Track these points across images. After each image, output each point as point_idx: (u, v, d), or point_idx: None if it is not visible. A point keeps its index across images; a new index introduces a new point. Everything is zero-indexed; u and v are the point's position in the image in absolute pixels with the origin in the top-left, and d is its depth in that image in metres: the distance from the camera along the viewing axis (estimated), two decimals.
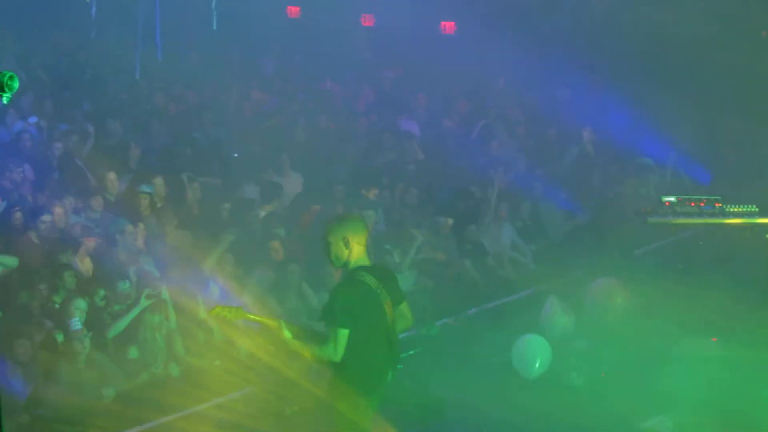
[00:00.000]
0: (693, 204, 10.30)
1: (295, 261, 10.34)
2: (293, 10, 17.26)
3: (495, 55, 14.49)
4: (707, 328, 9.30)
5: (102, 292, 9.42)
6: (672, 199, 10.36)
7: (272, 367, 8.83)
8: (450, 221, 11.86)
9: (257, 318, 6.16)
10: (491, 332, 9.96)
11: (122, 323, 9.28)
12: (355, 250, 6.16)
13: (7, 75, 4.22)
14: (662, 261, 11.33)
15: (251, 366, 9.19)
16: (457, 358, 9.62)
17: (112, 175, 11.09)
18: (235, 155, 13.00)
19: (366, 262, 6.24)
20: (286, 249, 10.55)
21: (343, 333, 5.98)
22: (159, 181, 11.22)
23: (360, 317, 6.04)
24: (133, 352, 9.25)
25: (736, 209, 10.19)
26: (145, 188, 10.98)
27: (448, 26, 16.98)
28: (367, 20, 17.28)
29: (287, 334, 6.03)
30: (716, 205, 10.26)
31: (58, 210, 10.20)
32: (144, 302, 9.29)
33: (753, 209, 10.17)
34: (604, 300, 9.82)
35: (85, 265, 9.80)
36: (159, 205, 11.00)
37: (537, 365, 9.05)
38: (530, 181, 13.07)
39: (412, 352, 9.28)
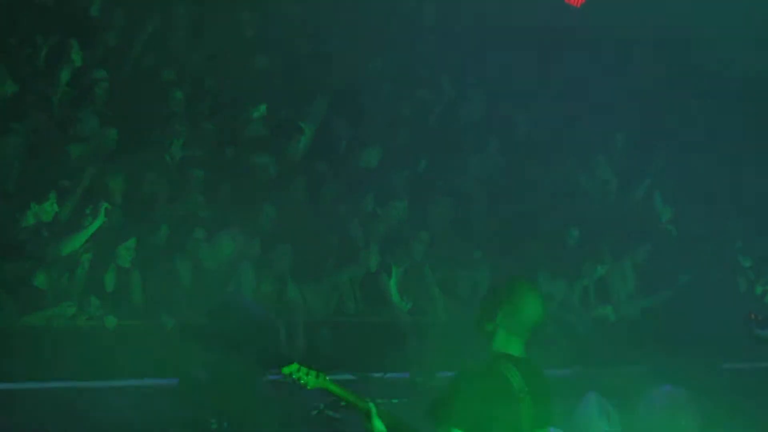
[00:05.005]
0: None
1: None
2: None
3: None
4: None
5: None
6: None
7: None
8: None
9: (343, 394, 5.05)
10: None
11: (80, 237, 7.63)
12: (501, 334, 4.85)
13: None
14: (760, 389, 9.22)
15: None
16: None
17: None
18: None
19: (516, 351, 4.89)
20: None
21: None
22: None
23: (483, 424, 4.62)
24: (39, 280, 7.29)
25: None
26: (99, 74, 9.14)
27: None
28: None
29: (378, 425, 4.93)
30: None
31: None
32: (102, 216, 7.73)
33: None
34: (665, 416, 7.51)
35: None
36: None
37: None
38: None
39: (395, 400, 7.56)
